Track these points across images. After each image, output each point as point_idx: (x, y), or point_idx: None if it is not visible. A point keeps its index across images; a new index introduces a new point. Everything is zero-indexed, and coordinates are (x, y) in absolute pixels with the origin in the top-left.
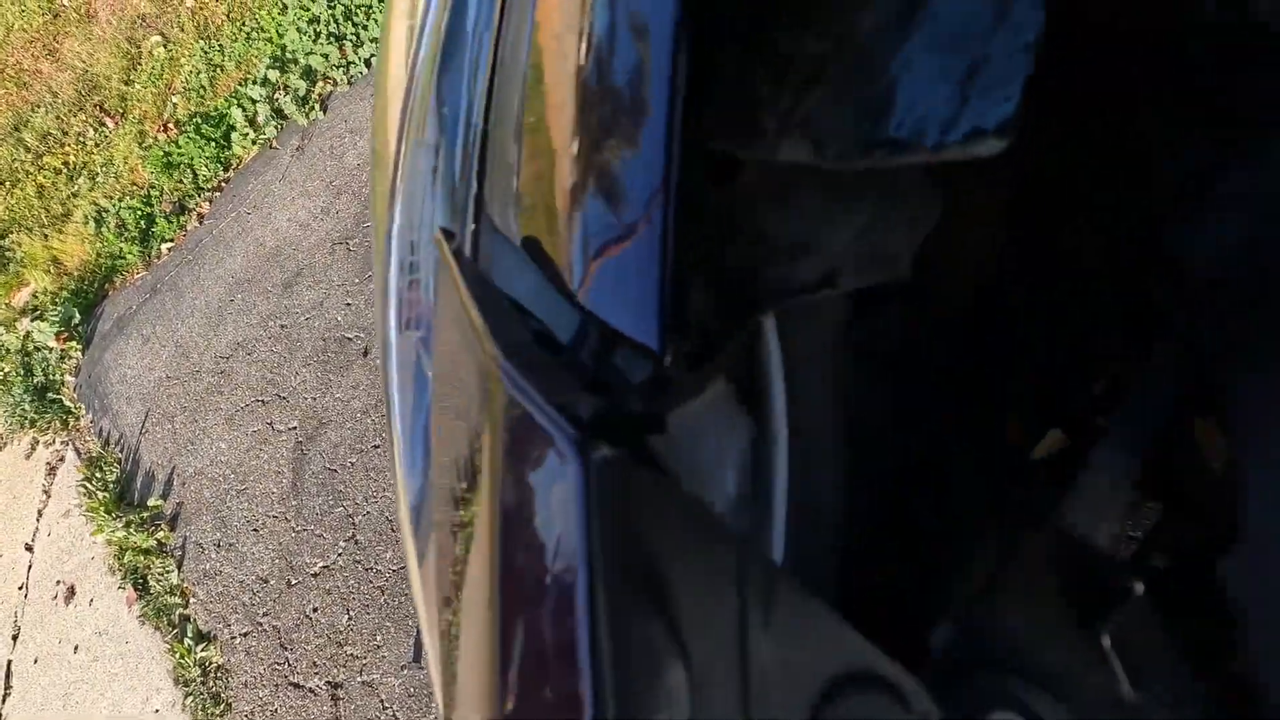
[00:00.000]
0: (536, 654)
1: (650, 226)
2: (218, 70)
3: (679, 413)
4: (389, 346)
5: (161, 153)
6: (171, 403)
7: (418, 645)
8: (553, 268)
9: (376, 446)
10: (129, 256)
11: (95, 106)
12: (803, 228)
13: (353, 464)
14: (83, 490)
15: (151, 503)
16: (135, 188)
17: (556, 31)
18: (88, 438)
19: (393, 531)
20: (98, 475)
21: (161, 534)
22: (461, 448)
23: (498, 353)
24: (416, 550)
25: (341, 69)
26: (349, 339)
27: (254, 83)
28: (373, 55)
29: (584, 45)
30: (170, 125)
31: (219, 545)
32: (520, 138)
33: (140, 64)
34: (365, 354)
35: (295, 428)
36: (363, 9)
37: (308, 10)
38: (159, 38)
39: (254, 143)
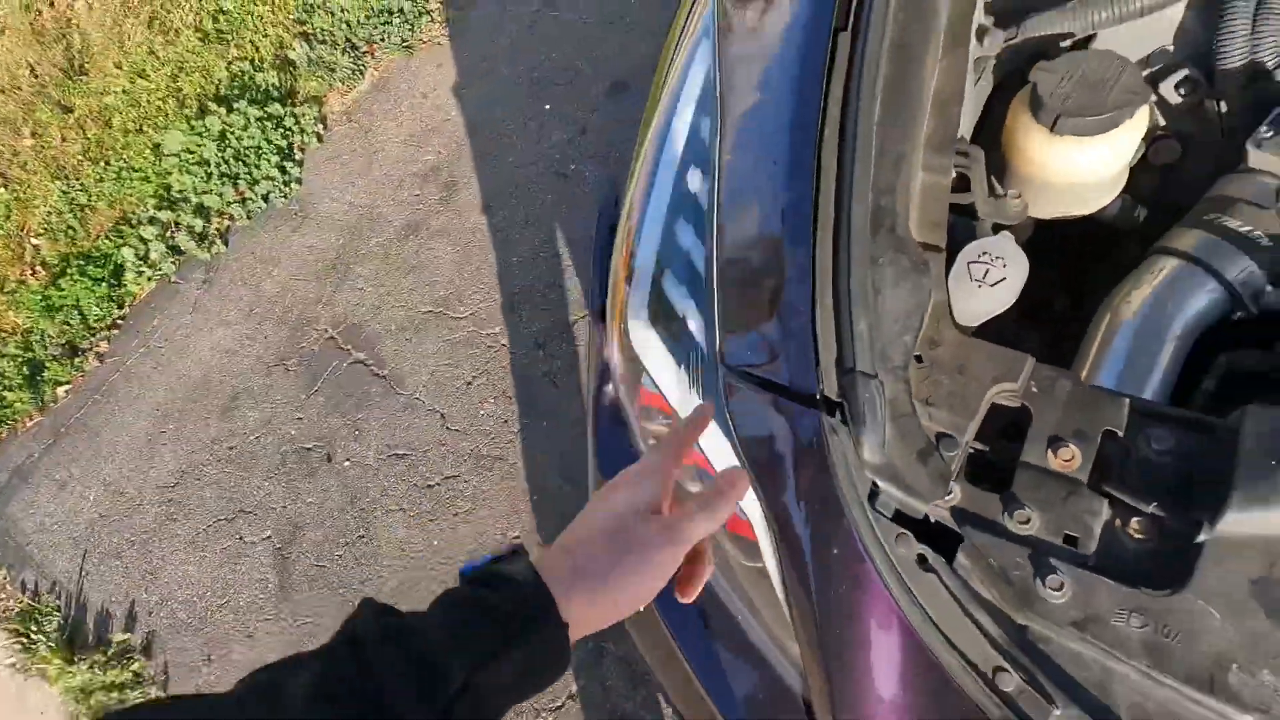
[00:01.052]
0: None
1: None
2: (85, 210)
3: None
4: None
5: (38, 296)
6: (114, 540)
7: None
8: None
9: (361, 537)
10: (16, 404)
11: None
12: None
13: (340, 556)
14: (19, 646)
15: (116, 638)
16: (5, 334)
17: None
18: (2, 595)
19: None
20: (34, 628)
21: (137, 665)
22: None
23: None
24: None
25: (239, 204)
26: (308, 449)
27: (142, 223)
28: (270, 191)
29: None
30: (37, 268)
31: (210, 659)
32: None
33: None
34: (329, 460)
35: (269, 536)
36: (252, 150)
37: (194, 153)
38: None
39: (150, 279)
